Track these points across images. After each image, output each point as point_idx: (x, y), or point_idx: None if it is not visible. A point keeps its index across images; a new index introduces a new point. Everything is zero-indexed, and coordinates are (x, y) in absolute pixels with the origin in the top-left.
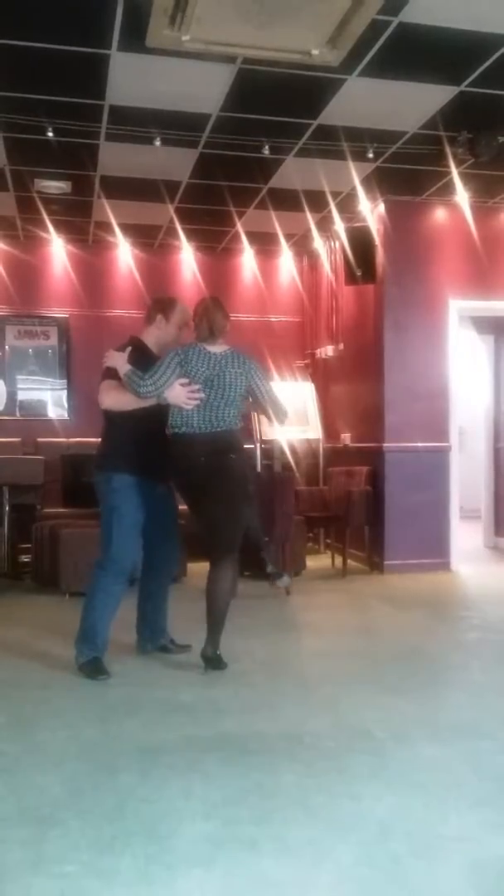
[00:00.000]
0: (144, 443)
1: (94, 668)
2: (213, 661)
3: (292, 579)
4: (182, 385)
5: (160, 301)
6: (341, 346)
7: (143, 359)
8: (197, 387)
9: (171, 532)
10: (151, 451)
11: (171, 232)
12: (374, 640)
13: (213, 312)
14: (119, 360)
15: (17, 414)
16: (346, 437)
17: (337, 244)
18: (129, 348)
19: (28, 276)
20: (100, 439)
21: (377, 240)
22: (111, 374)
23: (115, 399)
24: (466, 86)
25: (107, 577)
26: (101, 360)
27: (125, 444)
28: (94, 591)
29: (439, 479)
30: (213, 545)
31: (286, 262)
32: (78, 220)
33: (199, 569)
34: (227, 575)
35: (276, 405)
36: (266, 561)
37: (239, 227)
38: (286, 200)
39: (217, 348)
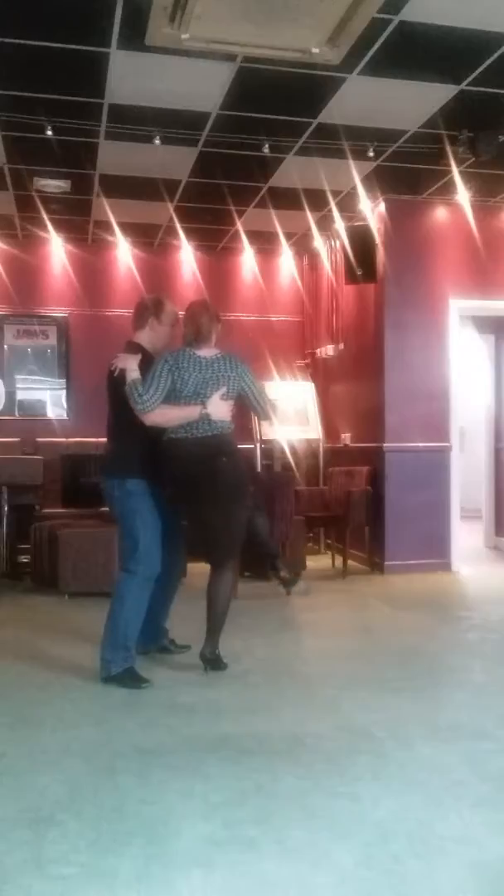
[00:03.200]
0: (153, 447)
1: (133, 677)
2: (212, 662)
3: (309, 585)
4: (221, 398)
5: (148, 303)
6: (341, 346)
7: (148, 364)
8: (230, 396)
9: (178, 535)
10: (158, 455)
11: (171, 231)
12: (375, 641)
13: (199, 316)
14: (131, 363)
15: (17, 414)
16: (346, 437)
17: (337, 243)
18: (139, 353)
19: (27, 276)
20: (107, 442)
21: (377, 239)
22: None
23: (160, 416)
24: (467, 84)
25: (136, 582)
26: (110, 363)
27: (138, 448)
28: (124, 598)
29: (440, 479)
30: (212, 551)
31: (286, 262)
32: (77, 219)
33: (199, 569)
34: (228, 577)
35: (266, 408)
36: (280, 567)
37: (239, 226)
38: (286, 199)
39: (207, 352)
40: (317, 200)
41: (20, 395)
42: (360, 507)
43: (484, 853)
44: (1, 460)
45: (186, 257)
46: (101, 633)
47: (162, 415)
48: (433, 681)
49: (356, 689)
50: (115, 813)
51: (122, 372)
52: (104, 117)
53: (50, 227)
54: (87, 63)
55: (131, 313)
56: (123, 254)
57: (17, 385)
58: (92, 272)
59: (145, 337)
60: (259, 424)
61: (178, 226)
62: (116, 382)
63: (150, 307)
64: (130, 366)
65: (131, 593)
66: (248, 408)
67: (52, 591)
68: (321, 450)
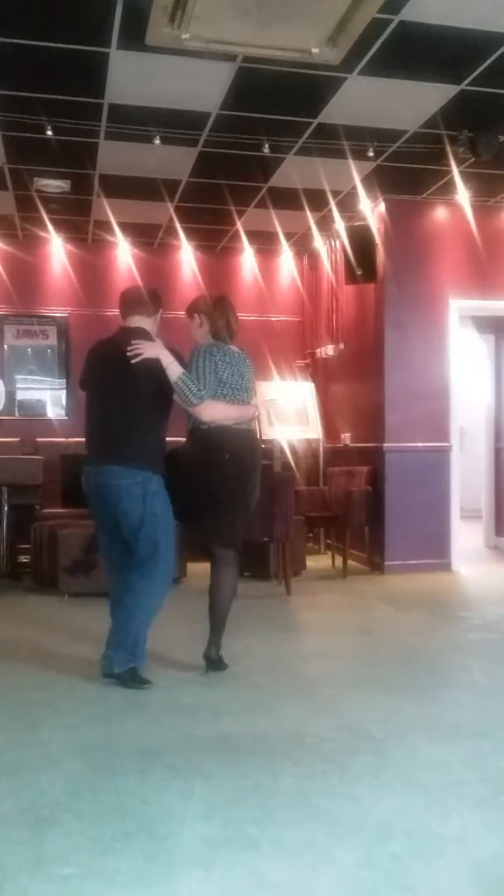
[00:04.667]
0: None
1: (134, 678)
2: (215, 663)
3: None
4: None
5: (156, 295)
6: (341, 346)
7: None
8: None
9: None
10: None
11: (171, 231)
12: (375, 641)
13: (229, 311)
14: (166, 355)
15: (16, 414)
16: (346, 437)
17: (337, 243)
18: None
19: (27, 276)
20: (121, 434)
21: (377, 239)
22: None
23: (221, 412)
24: (467, 84)
25: (154, 585)
26: (128, 351)
27: (162, 445)
28: (140, 602)
29: (440, 479)
30: (226, 540)
31: (286, 262)
32: (77, 219)
33: (199, 569)
34: (232, 573)
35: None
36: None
37: (239, 226)
38: (286, 199)
39: (235, 347)
40: (317, 200)
41: (20, 395)
42: (360, 507)
43: (484, 853)
44: (1, 460)
45: (186, 257)
46: (101, 632)
47: (223, 409)
48: (433, 681)
49: (356, 688)
50: (115, 813)
51: (143, 361)
52: (104, 117)
53: (50, 227)
54: (87, 63)
55: (127, 298)
56: (123, 254)
57: (17, 385)
58: (92, 272)
59: (148, 325)
60: (259, 423)
61: (178, 226)
62: (145, 371)
63: (159, 298)
64: (167, 357)
65: (148, 598)
66: None
67: (52, 591)
68: (321, 450)
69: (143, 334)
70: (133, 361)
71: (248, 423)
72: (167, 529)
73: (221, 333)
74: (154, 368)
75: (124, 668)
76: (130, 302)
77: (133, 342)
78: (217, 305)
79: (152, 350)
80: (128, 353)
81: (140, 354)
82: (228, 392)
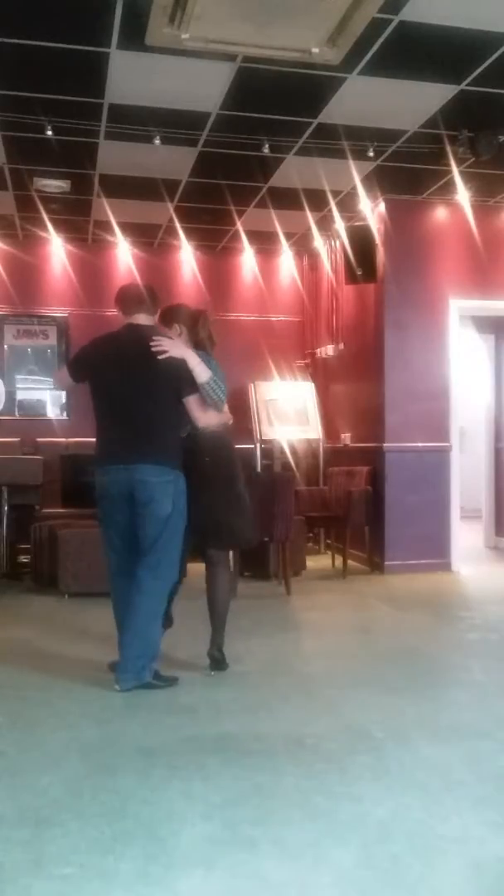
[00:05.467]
0: None
1: (160, 678)
2: (218, 662)
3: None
4: None
5: (187, 313)
6: (341, 346)
7: None
8: None
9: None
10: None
11: (171, 231)
12: (375, 641)
13: (212, 325)
14: (192, 357)
15: (16, 414)
16: (346, 437)
17: (337, 243)
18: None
19: (27, 276)
20: (152, 431)
21: (377, 239)
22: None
23: (215, 417)
24: (467, 84)
25: (165, 586)
26: (153, 347)
27: (181, 444)
28: (153, 603)
29: (440, 479)
30: (218, 541)
31: (286, 262)
32: (77, 219)
33: (199, 568)
34: (223, 575)
35: None
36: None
37: (239, 226)
38: (286, 199)
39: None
40: (317, 200)
41: (20, 395)
42: (360, 507)
43: (484, 853)
44: (1, 460)
45: (186, 257)
46: (101, 632)
47: (215, 415)
48: (433, 681)
49: (356, 689)
50: (115, 813)
51: (168, 359)
52: (104, 117)
53: (50, 227)
54: (87, 63)
55: (131, 295)
56: (123, 254)
57: (17, 385)
58: (92, 272)
59: (151, 323)
60: (259, 423)
61: (178, 226)
62: (170, 370)
63: (157, 297)
64: (194, 359)
65: (162, 597)
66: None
67: (52, 591)
68: (321, 450)
69: (159, 333)
70: (159, 358)
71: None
72: (182, 530)
73: (204, 344)
74: (179, 368)
75: (151, 673)
76: (135, 299)
77: (156, 339)
78: (199, 318)
79: (177, 349)
80: (154, 350)
81: (166, 352)
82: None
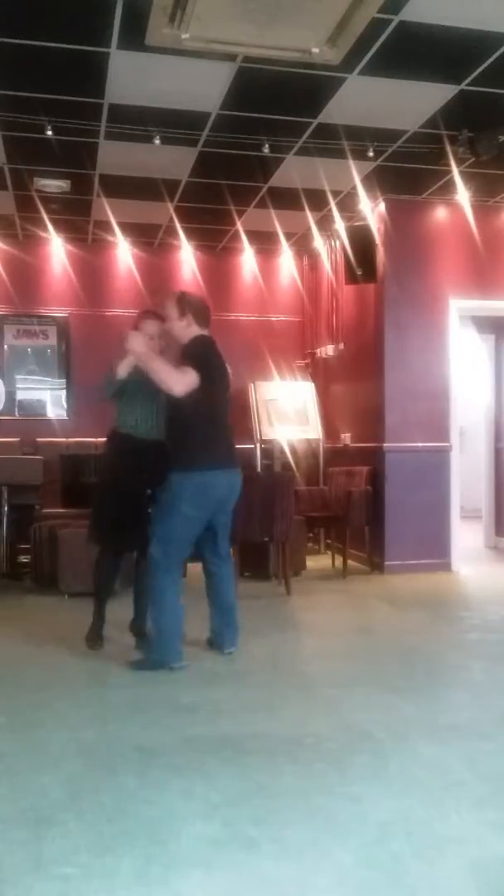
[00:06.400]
0: None
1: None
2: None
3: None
4: None
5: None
6: (341, 346)
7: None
8: None
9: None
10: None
11: (171, 231)
12: (374, 641)
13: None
14: (152, 360)
15: (17, 414)
16: (346, 437)
17: (337, 243)
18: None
19: (27, 276)
20: (186, 434)
21: (377, 239)
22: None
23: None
24: (467, 84)
25: (169, 577)
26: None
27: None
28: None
29: (440, 478)
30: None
31: (286, 262)
32: (77, 219)
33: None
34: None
35: None
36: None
37: (239, 226)
38: (286, 199)
39: None
40: (317, 200)
41: (20, 395)
42: (360, 507)
43: (484, 853)
44: (1, 460)
45: (186, 257)
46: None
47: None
48: (433, 681)
49: (356, 689)
50: (115, 813)
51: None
52: (104, 117)
53: (50, 227)
54: (87, 63)
55: (209, 309)
56: (123, 254)
57: (17, 385)
58: (92, 272)
59: (178, 329)
60: (259, 423)
61: (178, 226)
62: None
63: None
64: (153, 362)
65: (172, 590)
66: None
67: (52, 591)
68: (321, 450)
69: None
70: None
71: None
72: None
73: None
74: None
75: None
76: (210, 315)
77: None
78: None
79: (138, 348)
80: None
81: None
82: None
